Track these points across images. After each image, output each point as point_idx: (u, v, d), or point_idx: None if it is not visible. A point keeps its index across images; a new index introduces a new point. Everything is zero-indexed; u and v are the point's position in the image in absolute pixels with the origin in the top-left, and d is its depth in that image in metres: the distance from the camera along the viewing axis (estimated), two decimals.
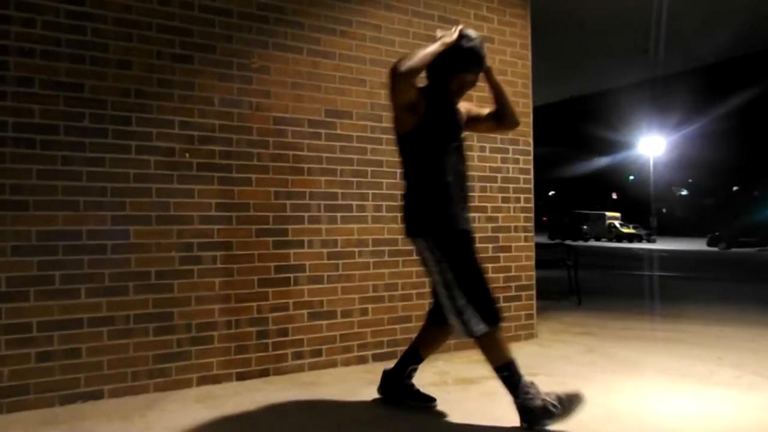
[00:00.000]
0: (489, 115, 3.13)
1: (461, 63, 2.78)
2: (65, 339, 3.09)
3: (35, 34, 3.08)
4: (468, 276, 2.71)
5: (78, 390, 3.11)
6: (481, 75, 2.94)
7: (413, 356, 3.07)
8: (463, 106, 3.02)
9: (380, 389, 3.15)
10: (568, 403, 2.66)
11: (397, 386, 3.07)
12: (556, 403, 2.65)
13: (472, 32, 2.81)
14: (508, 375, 2.70)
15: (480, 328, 2.66)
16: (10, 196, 3.00)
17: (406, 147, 2.84)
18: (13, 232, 3.01)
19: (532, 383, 2.70)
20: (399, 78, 2.59)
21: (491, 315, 2.69)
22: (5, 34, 3.01)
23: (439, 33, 2.78)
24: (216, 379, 3.48)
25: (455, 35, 2.73)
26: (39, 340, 3.04)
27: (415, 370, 3.07)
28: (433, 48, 2.66)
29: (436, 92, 2.82)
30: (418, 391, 3.07)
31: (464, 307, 2.67)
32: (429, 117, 2.75)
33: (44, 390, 3.04)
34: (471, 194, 2.90)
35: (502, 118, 3.10)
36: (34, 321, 3.03)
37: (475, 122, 3.10)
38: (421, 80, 2.75)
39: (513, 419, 2.86)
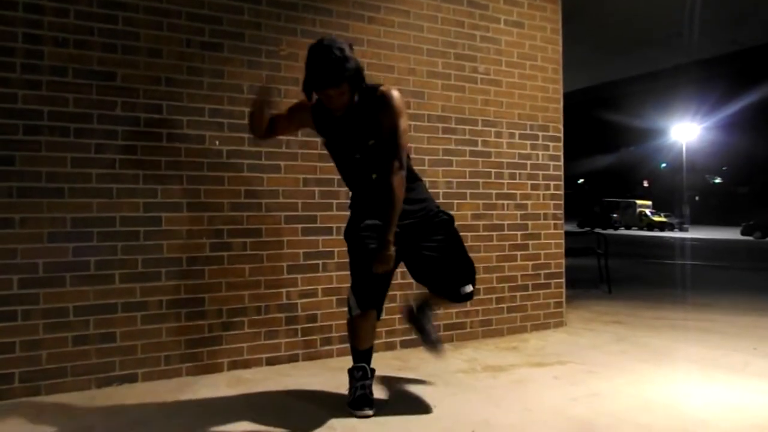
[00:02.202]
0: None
1: (314, 78, 2.59)
2: (100, 323, 3.16)
3: (69, 24, 3.12)
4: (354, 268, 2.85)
5: (113, 373, 3.18)
6: None
7: (428, 306, 3.07)
8: (388, 105, 2.67)
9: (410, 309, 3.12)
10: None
11: (417, 309, 3.07)
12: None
13: (325, 42, 2.59)
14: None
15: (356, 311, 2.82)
16: (46, 184, 3.07)
17: None
18: (49, 218, 3.07)
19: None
20: None
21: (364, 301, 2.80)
22: (39, 24, 3.06)
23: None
24: (246, 364, 3.52)
25: None
26: (75, 325, 3.11)
27: (432, 312, 3.08)
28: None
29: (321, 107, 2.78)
30: (429, 327, 3.03)
31: (351, 288, 2.86)
32: (319, 133, 2.89)
33: (81, 373, 3.11)
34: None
35: None
36: (70, 306, 3.10)
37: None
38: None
39: (543, 407, 2.85)
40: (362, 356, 2.88)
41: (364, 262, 2.74)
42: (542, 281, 4.67)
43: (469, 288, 2.94)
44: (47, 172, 3.07)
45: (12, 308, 2.98)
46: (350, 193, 2.97)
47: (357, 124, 2.71)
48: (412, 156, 3.04)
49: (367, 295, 2.80)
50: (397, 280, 3.24)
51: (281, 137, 3.63)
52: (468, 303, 3.32)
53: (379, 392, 2.98)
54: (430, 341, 3.00)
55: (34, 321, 3.02)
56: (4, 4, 2.99)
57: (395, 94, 2.68)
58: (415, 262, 2.90)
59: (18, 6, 3.02)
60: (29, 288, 3.01)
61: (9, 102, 3.00)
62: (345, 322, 3.75)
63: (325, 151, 3.73)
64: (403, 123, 2.69)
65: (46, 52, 3.08)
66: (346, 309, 2.91)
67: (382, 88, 2.70)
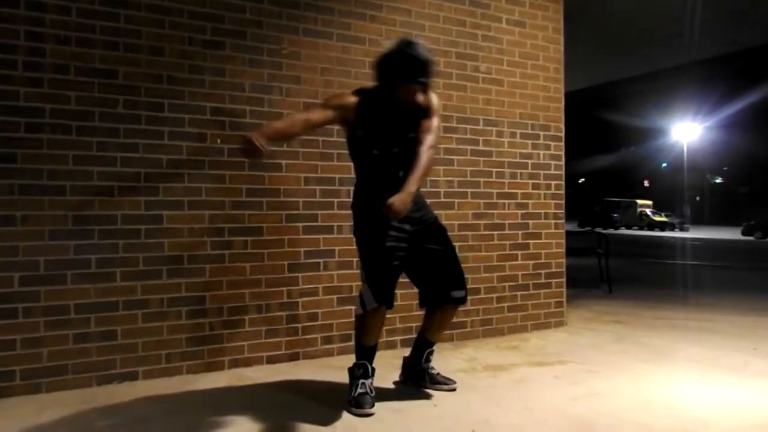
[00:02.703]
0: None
1: (410, 72, 2.71)
2: (101, 321, 3.16)
3: (71, 21, 3.12)
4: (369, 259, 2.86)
5: (114, 371, 3.19)
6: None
7: (423, 342, 3.15)
8: (432, 104, 2.89)
9: (402, 375, 3.23)
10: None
11: (416, 371, 3.15)
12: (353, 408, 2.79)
13: (418, 42, 2.76)
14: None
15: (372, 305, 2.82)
16: (48, 182, 3.07)
17: (348, 147, 3.00)
18: (51, 216, 3.07)
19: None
20: None
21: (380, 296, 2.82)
22: (41, 21, 3.06)
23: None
24: (247, 362, 3.53)
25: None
26: (76, 322, 3.11)
27: (431, 353, 3.15)
28: None
29: (377, 99, 2.83)
30: (435, 374, 3.14)
31: (362, 283, 2.87)
32: (359, 126, 2.84)
33: (82, 371, 3.11)
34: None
35: None
36: (71, 303, 3.10)
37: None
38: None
39: (544, 406, 2.85)
40: (366, 353, 2.91)
41: (379, 254, 2.80)
42: (543, 281, 4.66)
43: (462, 293, 3.04)
44: (49, 170, 3.07)
45: (13, 306, 2.98)
46: (352, 191, 2.99)
47: (403, 119, 2.85)
48: None
49: (382, 288, 2.82)
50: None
51: None
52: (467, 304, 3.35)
53: (379, 391, 2.98)
54: (446, 384, 3.12)
55: (35, 318, 3.02)
56: (7, 2, 2.99)
57: (436, 96, 2.95)
58: (417, 261, 2.97)
59: (20, 3, 3.02)
60: (30, 285, 3.01)
61: (11, 99, 3.00)
62: (346, 320, 3.79)
63: (326, 150, 3.76)
64: (439, 121, 2.97)
65: (48, 50, 3.08)
66: (355, 306, 2.95)
67: None
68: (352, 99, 2.84)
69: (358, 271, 3.78)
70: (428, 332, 3.14)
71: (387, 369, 3.35)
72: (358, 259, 3.00)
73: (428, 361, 3.14)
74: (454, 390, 3.07)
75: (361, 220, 2.92)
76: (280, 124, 2.82)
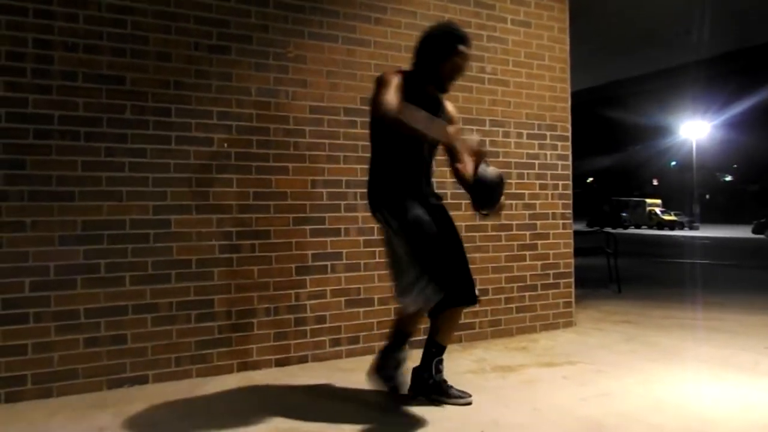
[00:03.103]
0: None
1: (448, 45, 2.86)
2: (111, 325, 3.18)
3: (78, 28, 3.15)
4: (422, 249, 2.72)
5: (124, 375, 3.21)
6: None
7: (434, 345, 2.95)
8: (449, 108, 3.10)
9: (411, 389, 2.97)
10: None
11: (428, 385, 2.93)
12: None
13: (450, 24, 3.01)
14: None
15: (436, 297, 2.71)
16: (57, 188, 3.09)
17: (378, 128, 2.87)
18: (60, 222, 3.10)
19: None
20: (387, 119, 2.65)
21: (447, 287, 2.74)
22: (49, 29, 3.09)
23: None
24: (256, 365, 3.54)
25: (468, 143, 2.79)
26: (86, 327, 3.13)
27: (441, 362, 2.94)
28: (434, 131, 2.71)
29: (419, 83, 2.87)
30: (449, 387, 2.95)
31: (419, 278, 2.70)
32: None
33: (92, 375, 3.13)
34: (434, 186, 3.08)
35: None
36: (81, 308, 3.12)
37: None
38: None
39: (553, 407, 2.85)
40: (405, 338, 2.97)
41: (434, 238, 2.75)
42: (551, 281, 4.66)
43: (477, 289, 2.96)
44: (57, 176, 3.10)
45: (24, 311, 3.00)
46: (370, 190, 2.91)
47: (438, 109, 2.96)
48: None
49: (450, 275, 2.75)
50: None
51: (288, 139, 3.67)
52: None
53: (388, 394, 2.98)
54: (461, 398, 2.93)
55: (46, 323, 3.04)
56: (15, 10, 3.02)
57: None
58: (449, 241, 2.89)
59: (28, 12, 3.05)
60: (41, 291, 3.04)
61: (20, 106, 3.03)
62: (354, 323, 3.81)
63: (333, 153, 3.77)
64: None
65: (56, 57, 3.10)
66: (408, 302, 2.77)
67: None
68: (400, 77, 2.80)
69: (373, 273, 3.81)
70: (438, 334, 2.94)
71: None
72: (396, 254, 2.82)
73: (439, 372, 2.93)
74: (470, 404, 2.88)
75: (401, 209, 2.76)
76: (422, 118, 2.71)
